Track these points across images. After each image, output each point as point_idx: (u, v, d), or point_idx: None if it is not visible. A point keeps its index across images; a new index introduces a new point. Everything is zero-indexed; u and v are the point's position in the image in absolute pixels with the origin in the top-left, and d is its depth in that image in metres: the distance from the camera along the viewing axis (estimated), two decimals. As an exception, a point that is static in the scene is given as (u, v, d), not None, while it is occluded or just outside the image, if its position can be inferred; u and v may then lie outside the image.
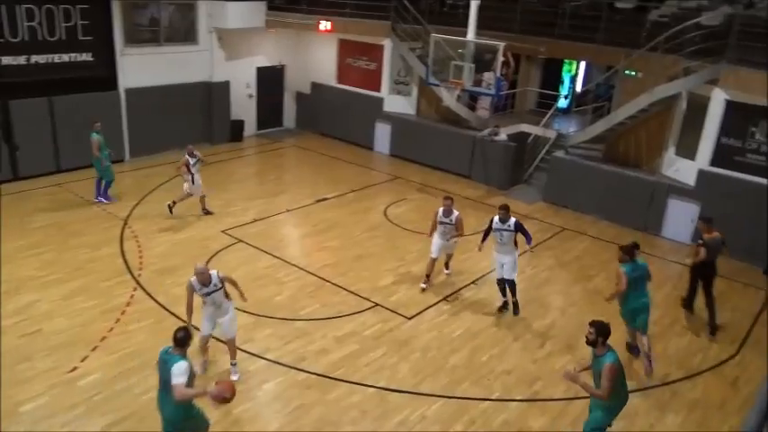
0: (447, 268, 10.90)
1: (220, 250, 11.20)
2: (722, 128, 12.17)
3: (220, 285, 7.31)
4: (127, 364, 7.81)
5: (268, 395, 7.50)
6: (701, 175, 12.47)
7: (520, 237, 9.42)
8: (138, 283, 9.88)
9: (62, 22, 13.96)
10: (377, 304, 9.72)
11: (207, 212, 12.76)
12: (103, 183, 13.04)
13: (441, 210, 9.94)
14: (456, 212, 9.91)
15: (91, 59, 14.71)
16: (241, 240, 11.67)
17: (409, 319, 9.39)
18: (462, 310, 9.73)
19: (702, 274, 9.67)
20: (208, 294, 7.29)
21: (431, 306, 9.78)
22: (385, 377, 7.95)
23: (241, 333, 8.63)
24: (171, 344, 5.73)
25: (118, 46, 15.12)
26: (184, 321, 8.74)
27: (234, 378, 7.53)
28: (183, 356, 5.63)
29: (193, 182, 12.36)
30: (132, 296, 9.46)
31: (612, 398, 6.07)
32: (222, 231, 11.99)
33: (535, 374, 8.22)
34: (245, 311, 9.20)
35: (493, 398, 7.70)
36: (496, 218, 9.43)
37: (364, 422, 7.11)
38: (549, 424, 7.30)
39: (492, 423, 7.25)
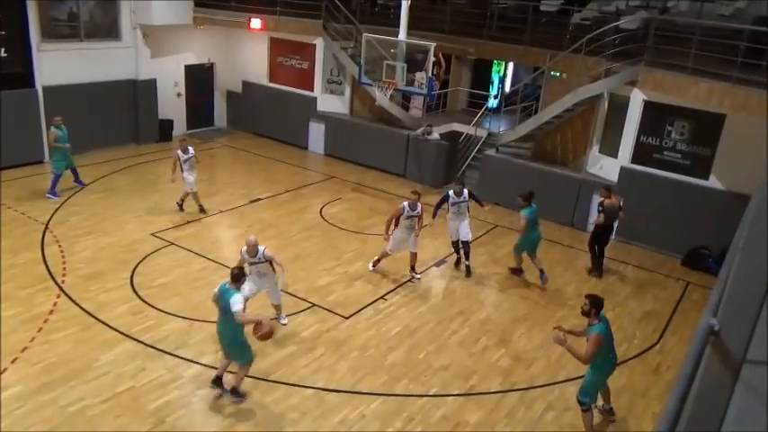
0: (415, 272, 10.86)
1: (151, 253, 10.83)
2: (641, 127, 12.79)
3: (264, 260, 8.31)
4: (51, 375, 7.43)
5: (204, 401, 7.32)
6: (623, 171, 13.05)
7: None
8: (61, 289, 9.42)
9: (-28, 15, 13.17)
10: (314, 304, 9.67)
11: (202, 210, 12.84)
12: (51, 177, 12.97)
13: (406, 204, 10.32)
14: (420, 205, 10.49)
15: (4, 55, 13.89)
16: (173, 243, 11.32)
17: (347, 318, 9.38)
18: (399, 308, 9.81)
19: (602, 235, 11.42)
20: (253, 264, 8.33)
21: (368, 305, 9.81)
22: (323, 377, 7.91)
23: (174, 338, 8.42)
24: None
25: (34, 41, 14.34)
26: (113, 328, 8.47)
27: (282, 322, 8.93)
28: (238, 290, 6.88)
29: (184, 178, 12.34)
30: (55, 304, 9.01)
31: (604, 362, 6.93)
32: (152, 234, 11.60)
33: (472, 369, 8.38)
34: (177, 316, 8.97)
35: (431, 393, 7.81)
36: (451, 192, 10.80)
37: (303, 423, 7.06)
38: (486, 417, 7.46)
39: (430, 419, 7.35)
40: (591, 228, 11.91)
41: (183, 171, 12.26)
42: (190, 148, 12.39)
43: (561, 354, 8.85)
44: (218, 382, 7.34)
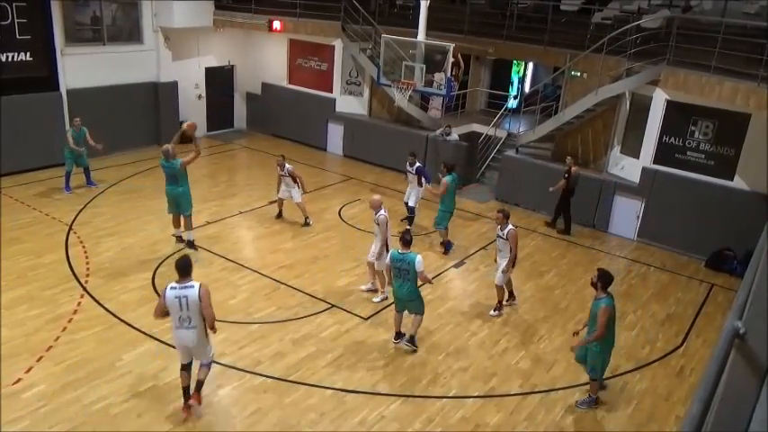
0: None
1: (172, 254, 10.93)
2: (663, 127, 12.62)
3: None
4: (75, 374, 7.54)
5: (224, 401, 7.37)
6: (645, 172, 12.90)
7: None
8: (85, 289, 9.55)
9: (-2, 20, 13.42)
10: (333, 305, 9.69)
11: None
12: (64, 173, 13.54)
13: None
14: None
15: (30, 59, 14.15)
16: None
17: (366, 319, 9.39)
18: (418, 309, 9.78)
19: (567, 198, 13.03)
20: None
21: (387, 306, 9.80)
22: (342, 378, 7.92)
23: (195, 338, 8.49)
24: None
25: (58, 45, 14.61)
26: (135, 328, 8.57)
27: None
28: (415, 253, 8.12)
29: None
30: (79, 303, 9.14)
31: (609, 338, 7.28)
32: (173, 235, 11.72)
33: (491, 371, 8.34)
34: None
35: (450, 395, 7.78)
36: (407, 164, 12.54)
37: (323, 424, 7.07)
38: (506, 419, 7.41)
39: (449, 420, 7.32)
40: (553, 190, 13.21)
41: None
42: (287, 165, 12.42)
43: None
44: (398, 336, 8.67)
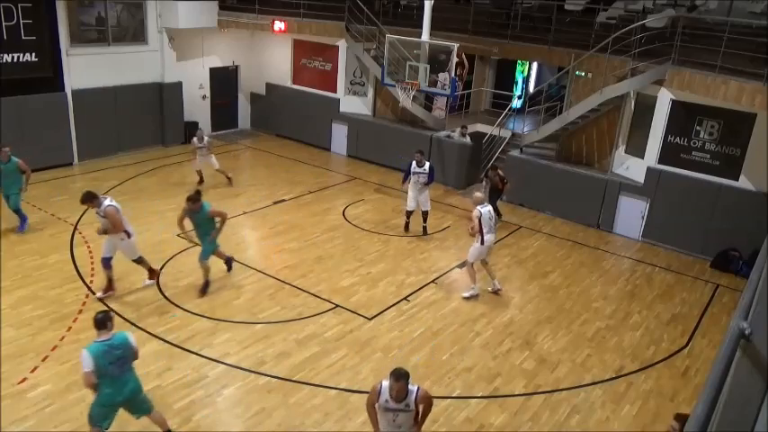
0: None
1: (176, 254, 10.98)
2: (668, 127, 12.58)
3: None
4: (79, 374, 7.51)
5: (228, 401, 7.38)
6: (650, 172, 12.86)
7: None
8: (90, 289, 9.58)
9: (3, 21, 13.43)
10: (337, 305, 9.69)
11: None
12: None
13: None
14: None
15: (35, 60, 14.20)
16: (197, 244, 11.41)
17: (370, 319, 9.38)
18: (422, 310, 9.78)
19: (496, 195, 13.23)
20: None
21: (391, 306, 9.80)
22: (347, 378, 7.92)
23: (199, 339, 8.51)
24: None
25: (63, 46, 14.65)
26: (140, 327, 8.59)
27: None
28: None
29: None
30: (84, 303, 9.17)
31: None
32: (177, 235, 11.72)
33: (495, 371, 8.32)
34: (203, 316, 9.07)
35: (454, 395, 7.76)
36: (414, 163, 12.07)
37: (327, 424, 7.07)
38: (510, 419, 7.40)
39: (453, 420, 7.31)
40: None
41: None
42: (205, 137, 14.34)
43: (586, 357, 8.79)
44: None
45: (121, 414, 6.95)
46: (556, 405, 7.72)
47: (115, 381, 5.95)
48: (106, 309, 6.06)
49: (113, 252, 9.28)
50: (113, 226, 8.86)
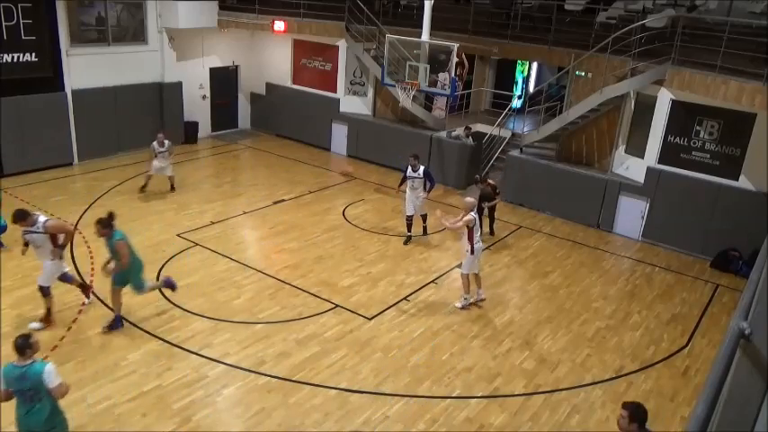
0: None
1: (176, 254, 10.97)
2: (668, 126, 12.58)
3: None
4: (80, 373, 7.56)
5: (228, 400, 7.38)
6: (650, 172, 12.85)
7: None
8: (90, 290, 9.56)
9: (3, 21, 13.43)
10: (337, 305, 9.69)
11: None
12: None
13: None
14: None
15: (35, 60, 14.20)
16: (197, 244, 11.45)
17: (370, 319, 9.38)
18: (422, 310, 9.78)
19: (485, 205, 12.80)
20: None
21: (391, 306, 9.80)
22: (347, 378, 7.92)
23: (199, 338, 8.51)
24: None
25: (63, 46, 14.64)
26: (140, 327, 8.58)
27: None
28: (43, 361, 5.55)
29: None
30: (84, 303, 9.17)
31: None
32: (177, 235, 11.75)
33: (495, 371, 8.32)
34: (203, 316, 9.07)
35: (454, 395, 7.76)
36: (409, 168, 12.01)
37: (327, 424, 7.07)
38: (510, 419, 7.40)
39: (453, 420, 7.31)
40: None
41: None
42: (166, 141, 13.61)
43: (586, 357, 8.79)
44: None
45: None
46: (556, 405, 7.72)
47: (20, 407, 5.47)
48: (28, 333, 5.54)
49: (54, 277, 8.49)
50: (54, 240, 7.97)
